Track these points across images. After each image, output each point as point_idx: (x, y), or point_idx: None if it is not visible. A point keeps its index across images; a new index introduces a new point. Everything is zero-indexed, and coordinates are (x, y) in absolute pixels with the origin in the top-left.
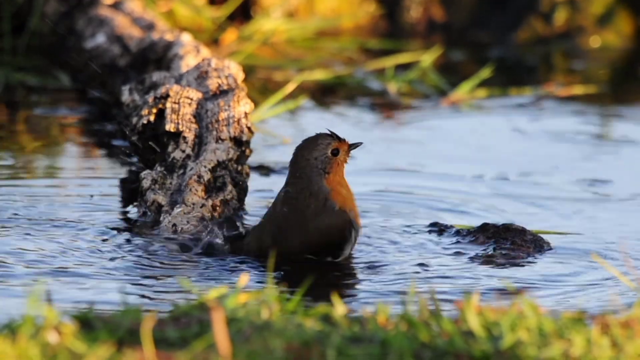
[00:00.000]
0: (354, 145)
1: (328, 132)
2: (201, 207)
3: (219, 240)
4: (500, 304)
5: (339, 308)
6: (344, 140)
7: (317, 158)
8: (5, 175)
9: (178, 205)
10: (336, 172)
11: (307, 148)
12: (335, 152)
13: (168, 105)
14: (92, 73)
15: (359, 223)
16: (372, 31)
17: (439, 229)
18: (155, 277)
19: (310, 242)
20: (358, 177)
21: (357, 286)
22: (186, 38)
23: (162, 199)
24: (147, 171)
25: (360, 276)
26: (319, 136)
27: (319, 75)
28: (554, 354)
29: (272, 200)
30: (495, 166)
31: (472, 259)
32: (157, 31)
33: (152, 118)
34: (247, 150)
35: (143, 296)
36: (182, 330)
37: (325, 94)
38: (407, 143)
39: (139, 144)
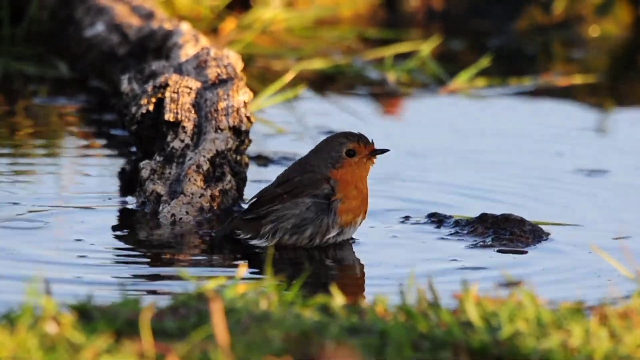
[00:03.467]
0: (379, 151)
1: (352, 132)
2: (200, 197)
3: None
4: (498, 295)
5: (338, 298)
6: (367, 144)
7: (329, 153)
8: (3, 164)
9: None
10: (348, 170)
11: (327, 142)
12: (351, 153)
13: (167, 94)
14: (91, 62)
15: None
16: (371, 20)
17: (437, 219)
18: (153, 268)
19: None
20: None
21: (356, 277)
22: (185, 27)
23: (161, 188)
24: (146, 161)
25: (358, 267)
26: (341, 134)
27: (317, 64)
28: (552, 345)
29: None
30: (493, 156)
31: (470, 249)
32: (156, 20)
33: (151, 107)
34: (246, 140)
35: (141, 287)
36: (181, 321)
37: (324, 83)
38: (405, 132)
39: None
